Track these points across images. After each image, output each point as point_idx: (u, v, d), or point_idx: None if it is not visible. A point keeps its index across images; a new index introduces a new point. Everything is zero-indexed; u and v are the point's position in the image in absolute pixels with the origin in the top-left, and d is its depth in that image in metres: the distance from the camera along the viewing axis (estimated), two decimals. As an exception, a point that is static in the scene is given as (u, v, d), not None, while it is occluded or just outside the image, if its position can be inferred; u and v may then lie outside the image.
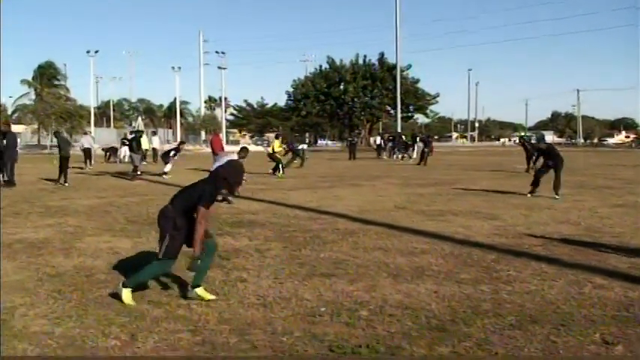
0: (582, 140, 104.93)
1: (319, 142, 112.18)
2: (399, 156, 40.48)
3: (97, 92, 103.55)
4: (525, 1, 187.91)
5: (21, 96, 75.36)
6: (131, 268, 6.92)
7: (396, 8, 56.76)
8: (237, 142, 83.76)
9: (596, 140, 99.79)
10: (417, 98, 71.90)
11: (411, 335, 4.77)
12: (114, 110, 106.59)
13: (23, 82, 74.51)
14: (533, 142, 21.47)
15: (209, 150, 26.46)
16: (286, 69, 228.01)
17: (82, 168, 26.93)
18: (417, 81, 72.02)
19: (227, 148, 31.12)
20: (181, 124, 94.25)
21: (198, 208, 5.48)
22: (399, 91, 59.15)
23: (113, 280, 6.40)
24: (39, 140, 66.19)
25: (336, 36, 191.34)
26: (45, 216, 11.56)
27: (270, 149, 25.40)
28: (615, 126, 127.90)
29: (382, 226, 10.10)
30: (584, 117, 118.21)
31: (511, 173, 24.41)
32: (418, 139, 40.09)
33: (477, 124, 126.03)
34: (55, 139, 24.59)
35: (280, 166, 23.86)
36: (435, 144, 44.28)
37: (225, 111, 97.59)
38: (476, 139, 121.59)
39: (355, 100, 68.77)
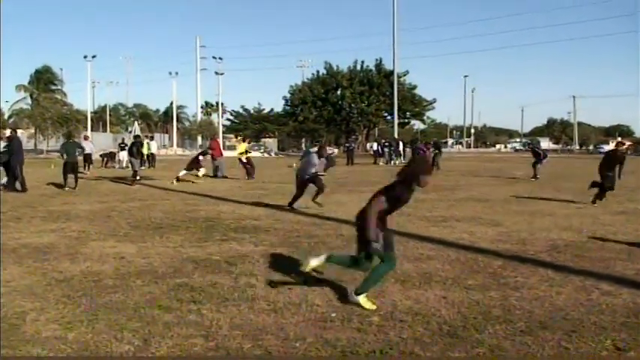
0: (578, 147, 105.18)
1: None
2: (396, 162, 40.62)
3: (94, 97, 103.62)
4: (522, 7, 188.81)
5: (17, 101, 75.25)
6: (136, 274, 6.95)
7: (394, 15, 56.89)
8: (233, 148, 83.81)
9: (591, 147, 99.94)
10: (414, 104, 71.96)
11: (423, 341, 4.79)
12: (110, 115, 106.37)
13: (18, 87, 74.34)
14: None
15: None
16: (283, 75, 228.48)
17: (81, 172, 26.86)
18: (414, 87, 72.16)
19: (225, 153, 31.11)
20: (178, 129, 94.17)
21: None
22: (396, 97, 59.24)
23: (122, 286, 6.42)
24: (35, 145, 66.07)
25: (333, 42, 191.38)
26: (48, 221, 11.55)
27: (237, 152, 25.57)
28: (611, 133, 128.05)
29: (386, 232, 10.09)
30: (580, 124, 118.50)
31: (509, 179, 24.45)
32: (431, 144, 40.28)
33: (472, 131, 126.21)
34: (47, 143, 24.63)
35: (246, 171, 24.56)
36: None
37: (222, 116, 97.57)
38: (472, 145, 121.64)
39: (352, 106, 68.82)
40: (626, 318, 5.37)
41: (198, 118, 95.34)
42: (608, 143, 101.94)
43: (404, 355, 4.53)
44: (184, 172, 22.42)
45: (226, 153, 33.78)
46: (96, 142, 41.06)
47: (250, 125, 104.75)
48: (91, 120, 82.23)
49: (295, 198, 13.52)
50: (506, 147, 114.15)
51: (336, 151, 34.66)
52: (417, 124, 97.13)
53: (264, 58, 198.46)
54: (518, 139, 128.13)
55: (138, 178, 21.81)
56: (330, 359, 4.48)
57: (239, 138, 28.84)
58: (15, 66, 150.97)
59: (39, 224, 11.13)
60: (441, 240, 9.38)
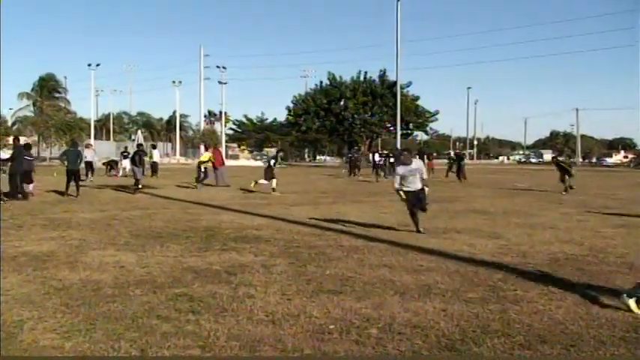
0: (581, 159, 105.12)
1: (318, 157, 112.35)
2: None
3: (97, 105, 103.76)
4: (526, 20, 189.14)
5: (21, 108, 75.41)
6: (135, 283, 6.94)
7: (397, 26, 57.04)
8: (236, 157, 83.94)
9: (594, 159, 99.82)
10: (417, 115, 71.94)
11: (421, 354, 4.77)
12: (113, 123, 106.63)
13: (21, 95, 74.46)
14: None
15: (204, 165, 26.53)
16: (287, 85, 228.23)
17: (82, 180, 26.90)
18: (417, 98, 72.17)
19: (227, 162, 31.14)
20: (181, 137, 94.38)
21: None
22: (399, 108, 59.26)
23: (120, 295, 6.42)
24: (38, 152, 66.20)
25: (337, 53, 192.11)
26: (48, 229, 11.56)
27: (201, 159, 25.73)
28: (614, 146, 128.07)
29: (386, 243, 10.10)
30: (582, 136, 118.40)
31: (511, 191, 24.40)
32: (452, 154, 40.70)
33: (475, 142, 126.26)
34: (50, 151, 24.77)
35: (197, 177, 24.70)
36: (435, 161, 44.68)
37: (225, 125, 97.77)
38: (474, 156, 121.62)
39: (355, 116, 68.84)
40: (625, 332, 5.34)
41: (202, 127, 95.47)
42: (611, 156, 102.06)
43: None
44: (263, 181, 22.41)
45: (228, 162, 33.78)
46: (99, 151, 41.14)
47: (253, 134, 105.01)
48: (95, 128, 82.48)
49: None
50: (509, 159, 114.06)
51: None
52: (420, 135, 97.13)
53: (267, 68, 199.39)
54: (521, 151, 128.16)
55: (140, 186, 21.84)
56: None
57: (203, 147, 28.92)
58: (19, 73, 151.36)
59: (39, 232, 11.15)
60: (441, 252, 9.35)
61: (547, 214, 14.95)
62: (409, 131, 75.68)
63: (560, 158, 25.80)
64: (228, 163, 36.14)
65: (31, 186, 18.84)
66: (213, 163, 26.09)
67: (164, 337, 5.05)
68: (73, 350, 4.75)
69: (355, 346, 4.94)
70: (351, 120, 69.29)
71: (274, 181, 21.61)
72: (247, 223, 12.72)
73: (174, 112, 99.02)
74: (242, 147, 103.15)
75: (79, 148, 22.79)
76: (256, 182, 22.08)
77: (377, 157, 45.31)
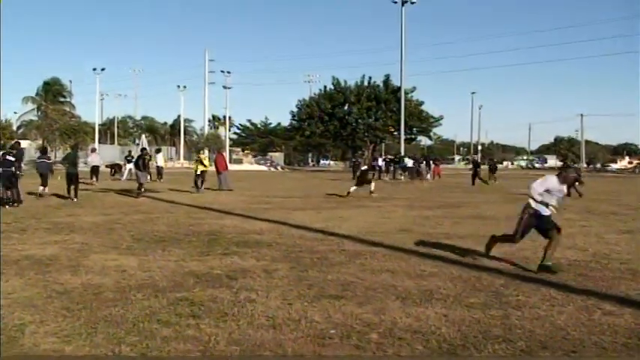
0: (585, 165, 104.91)
1: (322, 162, 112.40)
2: (402, 177, 41.18)
3: (102, 109, 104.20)
4: (530, 26, 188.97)
5: (26, 112, 75.50)
6: (136, 287, 6.94)
7: (402, 31, 57.15)
8: (240, 161, 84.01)
9: (599, 165, 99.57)
10: (421, 120, 71.87)
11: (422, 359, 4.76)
12: (118, 127, 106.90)
13: (25, 99, 74.49)
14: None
15: (212, 168, 26.53)
16: (291, 89, 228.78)
17: (87, 184, 26.97)
18: (421, 103, 72.09)
19: (230, 166, 31.14)
20: (185, 142, 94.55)
21: None
22: (403, 113, 59.29)
23: (122, 299, 6.42)
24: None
25: (341, 57, 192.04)
26: (51, 232, 11.58)
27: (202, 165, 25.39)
28: (618, 151, 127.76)
29: (389, 248, 10.08)
30: (587, 142, 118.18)
31: (515, 196, 24.32)
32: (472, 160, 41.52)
33: (479, 147, 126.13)
34: (55, 155, 24.90)
35: (198, 182, 24.57)
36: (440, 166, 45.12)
37: (229, 130, 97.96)
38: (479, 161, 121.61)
39: (359, 121, 68.84)
40: (627, 339, 5.32)
41: (206, 132, 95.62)
42: (616, 162, 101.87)
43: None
44: (355, 187, 22.64)
45: (232, 167, 33.79)
46: (103, 154, 41.27)
47: (257, 139, 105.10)
48: (99, 132, 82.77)
49: None
50: (512, 164, 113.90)
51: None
52: (424, 140, 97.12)
53: (272, 73, 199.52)
54: (525, 157, 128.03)
55: (143, 190, 21.88)
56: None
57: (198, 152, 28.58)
58: (24, 78, 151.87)
59: (43, 236, 11.17)
60: (443, 257, 9.34)
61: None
62: (413, 136, 75.64)
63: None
64: (232, 167, 36.17)
65: (44, 188, 19.04)
66: (216, 167, 26.10)
67: (164, 342, 5.05)
68: (74, 354, 4.75)
69: (356, 350, 4.93)
70: (354, 125, 69.27)
71: (373, 184, 22.46)
72: (250, 227, 12.73)
73: (179, 117, 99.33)
74: (246, 151, 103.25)
75: (80, 152, 22.93)
76: (349, 192, 22.16)
77: (380, 162, 45.52)
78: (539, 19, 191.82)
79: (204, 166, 25.18)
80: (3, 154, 18.23)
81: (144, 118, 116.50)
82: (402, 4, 56.68)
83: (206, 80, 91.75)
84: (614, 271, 8.47)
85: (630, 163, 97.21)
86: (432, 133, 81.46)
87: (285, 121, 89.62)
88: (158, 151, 39.28)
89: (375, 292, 6.91)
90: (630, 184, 39.68)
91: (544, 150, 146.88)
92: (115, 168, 37.79)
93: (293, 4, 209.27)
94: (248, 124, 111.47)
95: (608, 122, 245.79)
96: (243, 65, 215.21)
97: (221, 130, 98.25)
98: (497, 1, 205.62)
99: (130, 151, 41.73)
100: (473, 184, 33.26)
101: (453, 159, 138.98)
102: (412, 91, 69.82)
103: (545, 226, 8.56)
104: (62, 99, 74.02)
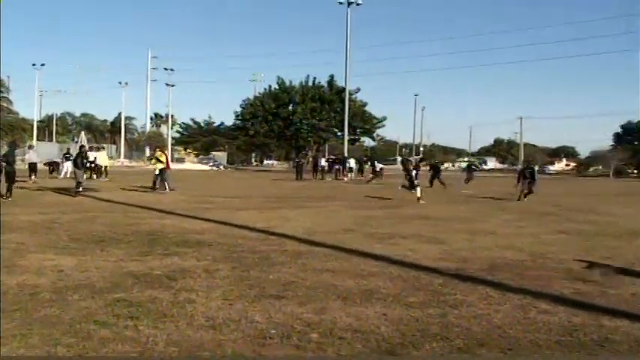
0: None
1: (265, 162, 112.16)
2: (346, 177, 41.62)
3: (41, 106, 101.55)
4: (470, 30, 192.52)
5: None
6: (74, 288, 6.79)
7: (347, 33, 57.38)
8: (182, 160, 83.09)
9: (537, 167, 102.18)
10: (365, 121, 72.38)
11: (361, 359, 4.79)
12: (57, 124, 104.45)
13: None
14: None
15: (153, 167, 26.15)
16: (235, 88, 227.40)
17: (24, 182, 26.24)
18: (365, 104, 72.65)
19: (172, 165, 30.68)
20: (126, 140, 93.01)
21: None
22: (347, 114, 59.58)
23: (58, 300, 6.27)
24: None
25: (286, 57, 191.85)
26: (-16, 232, 11.22)
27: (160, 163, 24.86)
28: (556, 154, 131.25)
29: (330, 248, 10.12)
30: (526, 144, 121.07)
31: (455, 197, 24.77)
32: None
33: (422, 149, 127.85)
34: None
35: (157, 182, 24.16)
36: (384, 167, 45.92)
37: (172, 128, 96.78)
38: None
39: (303, 121, 68.90)
40: (561, 336, 5.46)
41: (147, 130, 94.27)
42: (553, 164, 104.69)
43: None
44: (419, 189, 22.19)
45: (174, 166, 33.39)
46: (41, 152, 40.29)
47: (200, 138, 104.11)
48: (38, 129, 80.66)
49: None
50: (453, 165, 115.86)
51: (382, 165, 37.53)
52: (367, 141, 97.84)
53: (216, 71, 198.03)
54: (466, 158, 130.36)
55: (81, 189, 21.42)
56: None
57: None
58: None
59: (-25, 235, 10.80)
60: (384, 257, 9.42)
61: (489, 221, 15.23)
62: (356, 137, 76.11)
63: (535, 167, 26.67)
64: (174, 166, 35.70)
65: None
66: (168, 166, 25.70)
67: (102, 343, 4.95)
68: (7, 356, 4.61)
69: (296, 350, 4.93)
70: (299, 125, 69.32)
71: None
72: (191, 227, 12.59)
73: (120, 114, 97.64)
74: (188, 150, 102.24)
75: (17, 150, 22.32)
76: (419, 198, 21.58)
77: (322, 162, 45.92)
78: (480, 23, 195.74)
79: (163, 163, 24.71)
80: None
81: (84, 115, 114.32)
82: (348, 5, 56.90)
83: (148, 77, 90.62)
84: (549, 270, 8.69)
85: (567, 165, 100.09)
86: (375, 134, 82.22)
87: (229, 120, 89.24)
88: (97, 149, 38.65)
89: (316, 292, 6.93)
90: (566, 186, 40.87)
91: (484, 152, 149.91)
92: (54, 166, 36.90)
93: (238, 3, 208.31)
94: (191, 123, 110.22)
95: (547, 125, 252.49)
96: (187, 63, 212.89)
97: (163, 129, 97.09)
98: (442, 6, 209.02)
99: (68, 149, 40.82)
100: (431, 186, 33.23)
101: (395, 160, 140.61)
102: (356, 92, 70.31)
103: None
104: (-1, 94, 71.94)
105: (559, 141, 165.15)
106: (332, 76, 72.01)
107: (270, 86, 74.61)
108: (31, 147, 33.58)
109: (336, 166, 46.26)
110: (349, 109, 60.73)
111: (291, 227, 13.00)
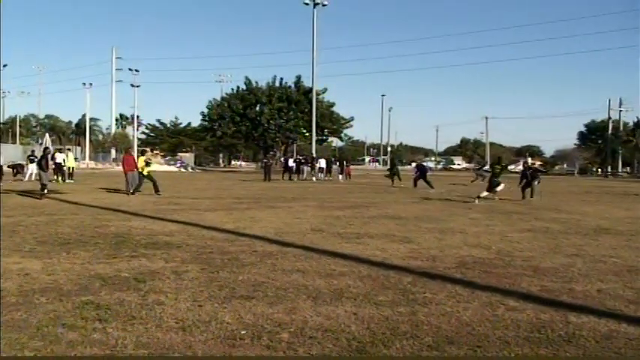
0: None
1: (233, 162, 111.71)
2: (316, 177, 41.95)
3: (4, 107, 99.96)
4: (436, 31, 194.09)
5: None
6: (40, 291, 6.70)
7: (313, 33, 57.47)
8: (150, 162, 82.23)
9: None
10: (332, 122, 72.57)
11: (331, 358, 4.80)
12: (20, 126, 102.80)
13: None
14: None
15: (120, 169, 25.89)
16: (202, 89, 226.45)
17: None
18: (332, 105, 72.80)
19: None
20: (90, 141, 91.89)
21: None
22: (315, 114, 59.67)
23: (25, 303, 6.17)
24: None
25: (253, 58, 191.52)
26: (-54, 235, 11.00)
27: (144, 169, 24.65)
28: (522, 153, 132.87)
29: (300, 249, 10.12)
30: (492, 144, 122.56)
31: (423, 198, 24.93)
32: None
33: (389, 149, 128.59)
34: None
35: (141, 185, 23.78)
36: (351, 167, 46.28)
37: (137, 129, 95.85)
38: (388, 163, 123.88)
39: (271, 122, 68.79)
40: (529, 333, 5.53)
41: (112, 131, 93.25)
42: (519, 162, 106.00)
43: (312, 372, 4.52)
44: (486, 193, 22.41)
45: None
46: (5, 154, 39.64)
47: (167, 139, 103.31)
48: (0, 131, 79.25)
49: None
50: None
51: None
52: (335, 142, 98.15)
53: (182, 72, 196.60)
54: (433, 158, 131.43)
55: (46, 191, 21.12)
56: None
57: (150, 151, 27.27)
58: None
59: (-64, 239, 10.58)
60: (353, 256, 9.45)
61: (457, 220, 15.36)
62: (324, 137, 76.28)
63: (536, 165, 26.55)
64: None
65: None
66: (124, 167, 25.40)
67: (70, 346, 4.89)
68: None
69: (266, 350, 4.92)
70: (266, 125, 69.21)
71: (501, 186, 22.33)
72: (159, 229, 12.49)
73: (84, 116, 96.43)
74: (155, 152, 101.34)
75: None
76: (479, 197, 21.86)
77: (290, 162, 46.20)
78: (446, 25, 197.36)
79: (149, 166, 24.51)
80: None
81: (47, 116, 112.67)
82: (314, 6, 57.03)
83: (113, 78, 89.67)
84: (516, 268, 8.79)
85: (533, 164, 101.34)
86: (343, 134, 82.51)
87: (196, 121, 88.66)
88: (68, 150, 38.17)
89: (286, 292, 6.92)
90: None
91: (451, 152, 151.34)
92: (18, 168, 36.34)
93: (204, 3, 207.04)
94: (157, 124, 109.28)
95: (512, 125, 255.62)
96: (152, 64, 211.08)
97: (129, 130, 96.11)
98: (408, 6, 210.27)
99: (33, 151, 40.26)
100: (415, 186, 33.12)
101: (364, 160, 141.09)
102: (323, 93, 70.44)
103: None
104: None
105: (524, 140, 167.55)
106: (299, 77, 72.15)
107: (237, 87, 74.43)
108: (-6, 150, 32.99)
109: (306, 167, 46.35)
110: (317, 109, 60.86)
111: (260, 228, 12.97)
